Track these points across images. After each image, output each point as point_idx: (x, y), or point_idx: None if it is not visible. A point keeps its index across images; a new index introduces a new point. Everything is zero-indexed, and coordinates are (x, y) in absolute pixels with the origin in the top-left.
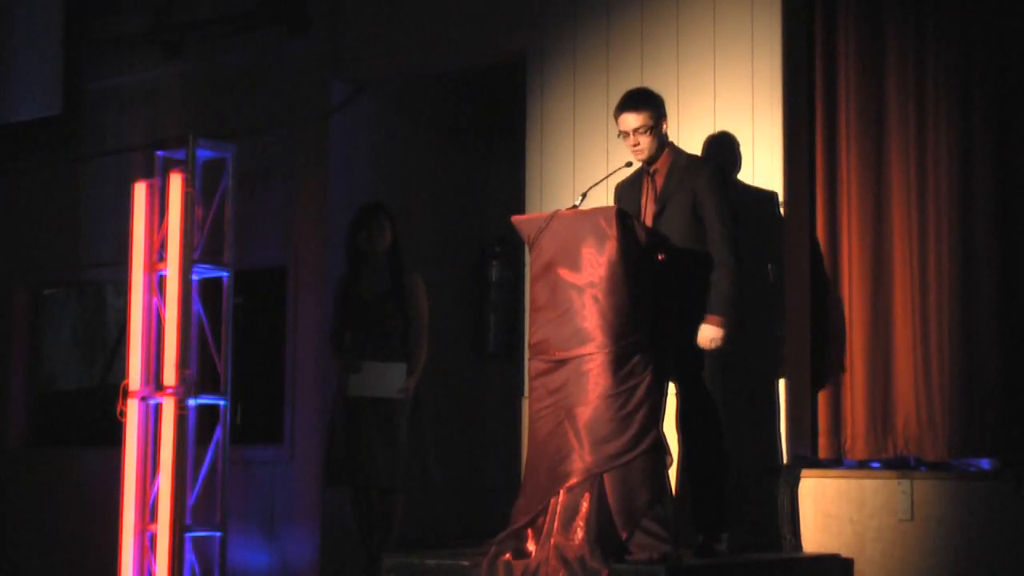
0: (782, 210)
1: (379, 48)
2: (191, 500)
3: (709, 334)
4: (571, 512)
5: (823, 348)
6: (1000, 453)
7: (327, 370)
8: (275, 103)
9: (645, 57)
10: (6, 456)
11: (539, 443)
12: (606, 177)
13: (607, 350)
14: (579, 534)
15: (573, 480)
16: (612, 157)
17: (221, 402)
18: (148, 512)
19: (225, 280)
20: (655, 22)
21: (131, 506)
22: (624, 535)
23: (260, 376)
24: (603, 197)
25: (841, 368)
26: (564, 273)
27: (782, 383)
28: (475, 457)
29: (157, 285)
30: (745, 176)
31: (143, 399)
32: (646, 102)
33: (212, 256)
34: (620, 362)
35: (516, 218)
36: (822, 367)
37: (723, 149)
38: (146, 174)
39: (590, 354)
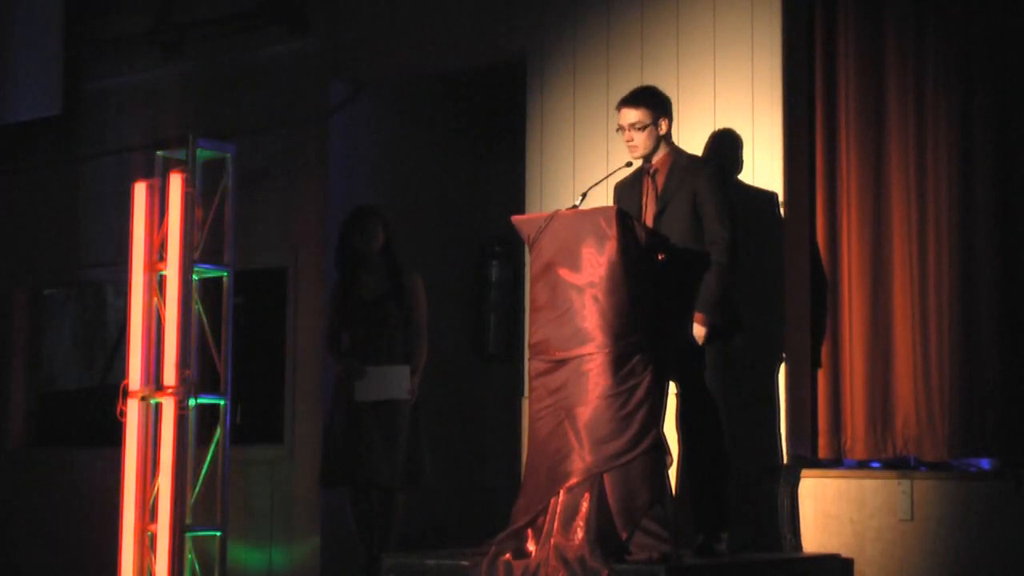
0: (782, 210)
1: (379, 48)
2: (191, 500)
3: (695, 332)
4: (571, 512)
5: (823, 348)
6: (1000, 453)
7: (327, 370)
8: (275, 103)
9: (645, 57)
10: (6, 456)
11: (539, 443)
12: (606, 177)
13: (607, 350)
14: (579, 534)
15: (573, 480)
16: (612, 157)
17: (221, 402)
18: (148, 512)
19: (225, 280)
20: (655, 22)
21: (131, 506)
22: (624, 535)
23: (260, 376)
24: (603, 197)
25: (841, 368)
26: (564, 273)
27: (782, 383)
28: (475, 457)
29: (157, 285)
30: (745, 176)
31: (143, 399)
32: (646, 99)
33: (212, 256)
34: (620, 362)
35: (516, 218)
36: (822, 367)
37: (723, 149)
38: (146, 174)
39: (590, 354)
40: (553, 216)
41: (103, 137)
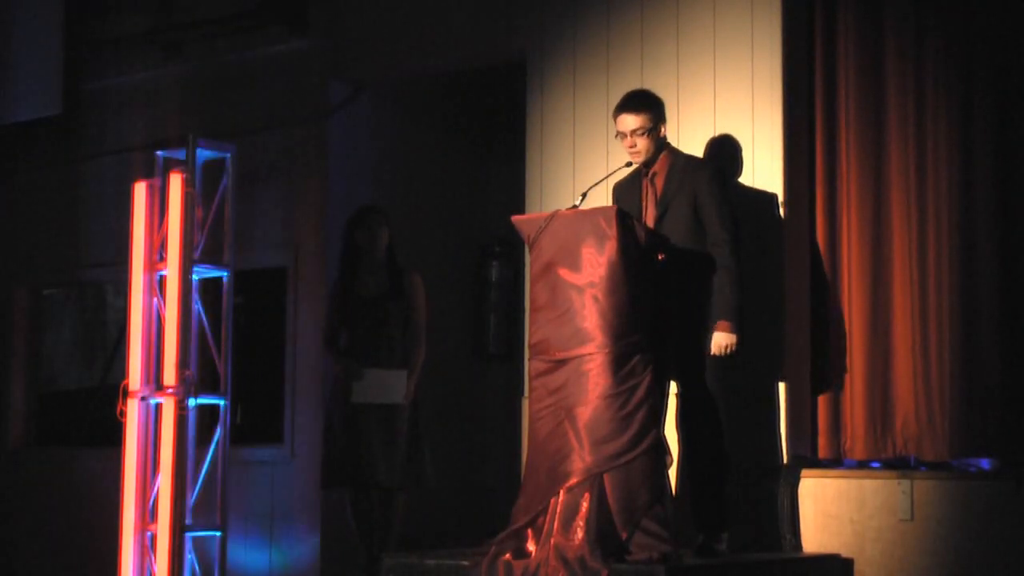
0: (782, 211)
1: (379, 48)
2: (191, 500)
3: (723, 341)
4: (571, 512)
5: (823, 348)
6: (1000, 453)
7: (327, 370)
8: (275, 103)
9: (645, 57)
10: (6, 456)
11: (539, 443)
12: (606, 177)
13: (607, 350)
14: (579, 534)
15: (573, 480)
16: (612, 157)
17: (221, 402)
18: (148, 512)
19: (225, 280)
20: (655, 22)
21: (131, 506)
22: (624, 535)
23: (260, 376)
24: (603, 197)
25: (841, 368)
26: (564, 273)
27: (782, 383)
28: (475, 457)
29: (157, 285)
30: (745, 177)
31: (143, 399)
32: (645, 104)
33: (212, 256)
34: (620, 362)
35: (516, 218)
36: (822, 367)
37: (723, 150)
38: (146, 174)
39: (590, 354)
40: (553, 216)
41: (103, 137)
